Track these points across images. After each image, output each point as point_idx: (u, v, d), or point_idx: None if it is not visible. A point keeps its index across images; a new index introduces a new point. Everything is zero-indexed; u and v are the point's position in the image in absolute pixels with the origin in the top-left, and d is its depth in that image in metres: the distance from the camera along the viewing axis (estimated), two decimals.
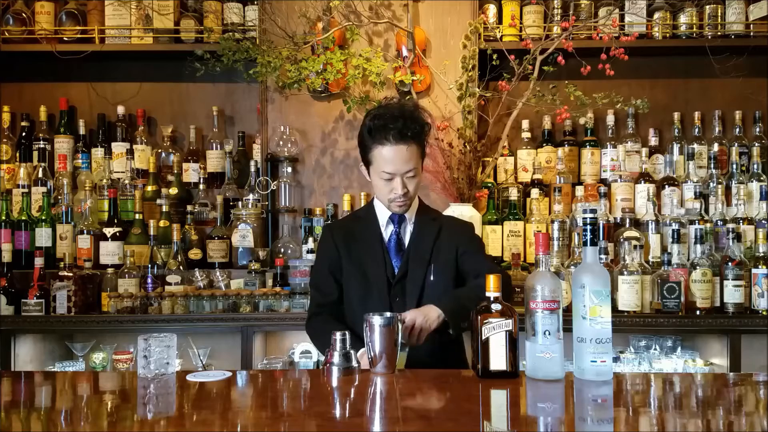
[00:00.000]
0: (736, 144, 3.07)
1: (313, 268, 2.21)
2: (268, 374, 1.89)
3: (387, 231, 2.07)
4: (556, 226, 2.86)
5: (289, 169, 3.15)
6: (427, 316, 1.81)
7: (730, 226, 2.70)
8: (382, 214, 2.08)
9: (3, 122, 3.24)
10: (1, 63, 3.18)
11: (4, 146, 3.23)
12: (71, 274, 2.76)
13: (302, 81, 2.95)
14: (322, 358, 1.83)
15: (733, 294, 2.63)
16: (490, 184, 3.02)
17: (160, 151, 3.25)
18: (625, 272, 2.63)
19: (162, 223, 2.99)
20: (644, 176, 3.00)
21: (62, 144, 3.20)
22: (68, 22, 3.15)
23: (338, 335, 1.66)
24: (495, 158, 3.03)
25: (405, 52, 3.04)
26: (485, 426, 1.29)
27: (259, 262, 2.93)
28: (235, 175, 3.19)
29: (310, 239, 2.97)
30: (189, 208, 3.08)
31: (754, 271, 2.64)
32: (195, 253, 3.00)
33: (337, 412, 1.40)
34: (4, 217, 2.96)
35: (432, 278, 2.01)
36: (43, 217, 2.98)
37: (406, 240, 2.06)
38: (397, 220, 2.06)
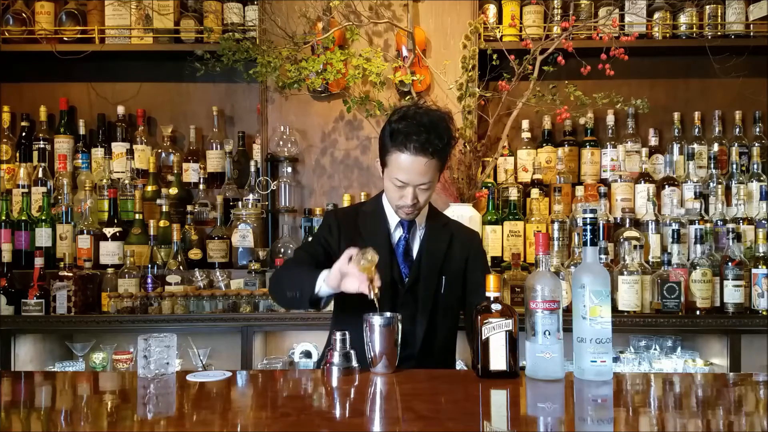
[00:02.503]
0: (736, 144, 3.07)
1: (303, 244, 2.08)
2: (268, 374, 1.89)
3: (396, 234, 2.00)
4: (556, 226, 2.85)
5: (289, 169, 3.15)
6: None
7: (730, 226, 2.70)
8: (392, 214, 2.00)
9: (3, 122, 3.24)
10: (1, 63, 3.19)
11: (4, 146, 3.23)
12: (71, 274, 2.76)
13: (302, 81, 2.95)
14: (322, 358, 1.82)
15: (733, 294, 2.63)
16: (490, 184, 3.02)
17: (160, 151, 3.25)
18: (625, 272, 2.63)
19: (162, 223, 2.99)
20: (644, 176, 3.00)
21: (62, 144, 3.20)
22: (68, 22, 3.15)
23: (338, 335, 1.66)
24: (495, 158, 3.03)
25: (405, 52, 3.04)
26: (485, 426, 1.29)
27: (259, 262, 2.93)
28: (235, 175, 3.19)
29: (310, 239, 2.96)
30: (189, 208, 3.08)
31: (754, 271, 2.64)
32: (195, 253, 3.00)
33: (337, 412, 1.40)
34: (4, 217, 2.96)
35: (443, 291, 1.97)
36: (43, 217, 2.98)
37: (415, 245, 1.99)
38: (407, 225, 1.99)
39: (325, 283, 1.73)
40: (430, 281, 1.97)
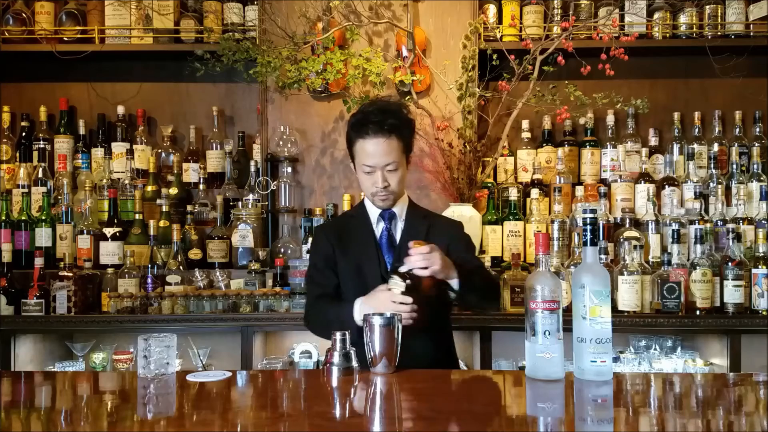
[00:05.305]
0: (736, 144, 3.07)
1: (309, 266, 2.23)
2: (268, 374, 1.89)
3: (378, 228, 2.11)
4: (556, 226, 2.86)
5: (289, 169, 3.15)
6: (445, 259, 1.83)
7: (730, 226, 2.69)
8: (373, 211, 2.12)
9: (3, 122, 3.24)
10: (1, 63, 3.18)
11: (4, 146, 3.23)
12: (71, 274, 2.76)
13: (302, 81, 2.95)
14: (322, 358, 1.83)
15: (733, 294, 2.63)
16: (490, 184, 3.02)
17: (160, 151, 3.25)
18: (625, 272, 2.63)
19: (162, 223, 2.99)
20: (644, 176, 3.00)
21: (62, 144, 3.20)
22: (68, 22, 3.15)
23: (338, 335, 1.66)
24: (495, 158, 3.03)
25: (405, 52, 3.04)
26: (486, 426, 1.29)
27: (259, 262, 2.93)
28: (235, 175, 3.19)
29: (310, 239, 2.96)
30: (189, 208, 3.08)
31: (754, 271, 2.64)
32: (195, 253, 3.00)
33: (337, 412, 1.40)
34: (4, 217, 2.95)
35: None
36: (43, 217, 2.98)
37: (398, 237, 2.09)
38: (387, 216, 2.10)
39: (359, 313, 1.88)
40: None
